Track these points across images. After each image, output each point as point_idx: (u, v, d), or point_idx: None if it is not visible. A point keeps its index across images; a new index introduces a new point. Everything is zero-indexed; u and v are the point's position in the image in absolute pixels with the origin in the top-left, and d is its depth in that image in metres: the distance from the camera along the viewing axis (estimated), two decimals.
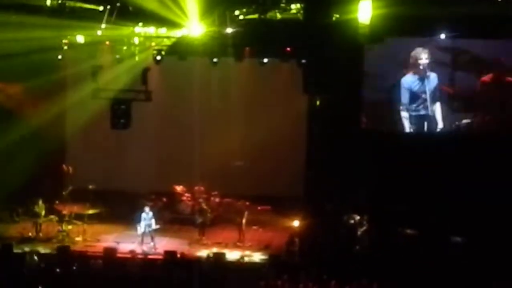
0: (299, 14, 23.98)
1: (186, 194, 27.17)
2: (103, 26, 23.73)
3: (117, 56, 24.99)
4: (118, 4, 23.29)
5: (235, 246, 24.03)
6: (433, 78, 24.18)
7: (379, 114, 24.56)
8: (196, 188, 27.18)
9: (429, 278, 20.57)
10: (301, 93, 24.82)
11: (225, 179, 27.24)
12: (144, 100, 24.65)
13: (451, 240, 23.12)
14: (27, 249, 22.36)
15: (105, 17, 23.46)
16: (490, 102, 24.27)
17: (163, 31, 24.45)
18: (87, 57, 25.07)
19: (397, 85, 24.32)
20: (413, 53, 24.04)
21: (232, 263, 22.17)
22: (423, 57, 23.94)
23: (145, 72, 24.57)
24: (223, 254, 22.23)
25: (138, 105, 24.88)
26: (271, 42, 24.05)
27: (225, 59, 24.90)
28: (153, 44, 24.73)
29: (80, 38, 24.57)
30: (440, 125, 24.32)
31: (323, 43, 22.98)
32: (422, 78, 24.19)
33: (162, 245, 23.56)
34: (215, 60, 24.70)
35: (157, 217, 24.28)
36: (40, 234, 24.33)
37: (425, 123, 24.40)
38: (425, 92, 24.24)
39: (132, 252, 22.37)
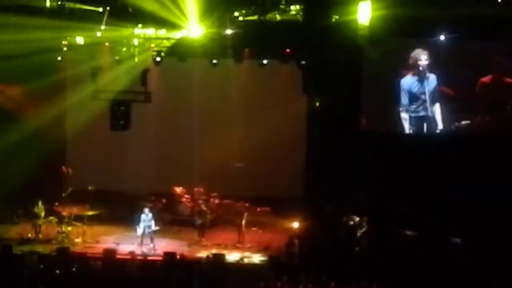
0: (298, 16, 24.01)
1: (186, 196, 27.17)
2: (102, 27, 23.77)
3: (117, 58, 25.01)
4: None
5: (234, 247, 24.04)
6: (432, 79, 24.17)
7: (379, 115, 24.53)
8: (196, 189, 27.17)
9: (429, 279, 20.59)
10: (301, 94, 24.81)
11: (225, 181, 27.23)
12: (144, 101, 24.65)
13: (450, 241, 23.12)
14: (26, 250, 22.36)
15: (105, 19, 23.49)
16: (490, 103, 24.24)
17: (162, 32, 24.49)
18: (86, 58, 25.09)
19: (396, 86, 24.29)
20: (412, 54, 24.02)
21: (231, 264, 22.18)
22: (423, 58, 23.91)
23: (144, 73, 24.57)
24: (222, 256, 22.24)
25: (137, 107, 24.88)
26: (271, 43, 24.05)
27: (224, 60, 24.90)
28: (152, 45, 24.76)
29: (79, 40, 24.64)
30: (440, 126, 24.30)
31: (322, 44, 22.99)
32: (422, 79, 24.18)
33: (162, 246, 23.57)
34: (214, 61, 24.69)
35: (157, 218, 24.28)
36: (40, 236, 24.35)
37: (425, 124, 24.37)
38: (424, 93, 24.23)
39: (131, 253, 22.39)
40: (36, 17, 23.17)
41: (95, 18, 23.81)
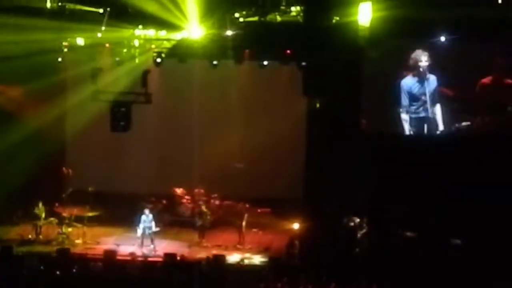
0: (299, 17, 24.00)
1: (186, 197, 27.19)
2: (103, 28, 23.78)
3: (117, 59, 25.02)
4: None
5: (235, 248, 24.05)
6: (432, 80, 24.18)
7: (379, 116, 24.52)
8: (196, 190, 27.18)
9: (429, 280, 20.58)
10: (301, 95, 24.78)
11: (225, 182, 27.24)
12: (144, 102, 24.64)
13: (450, 242, 23.12)
14: (27, 251, 22.36)
15: (105, 20, 23.49)
16: (490, 104, 24.26)
17: (163, 33, 24.50)
18: (87, 59, 25.10)
19: (397, 87, 24.30)
20: (413, 55, 24.03)
21: (232, 265, 22.17)
22: (423, 59, 23.92)
23: (145, 74, 24.55)
24: (223, 257, 22.19)
25: (138, 108, 24.87)
26: (271, 44, 24.06)
27: (225, 61, 24.91)
28: (153, 46, 24.77)
29: (80, 41, 24.65)
30: (440, 127, 24.31)
31: (323, 45, 22.97)
32: (422, 80, 24.19)
33: (162, 247, 23.56)
34: (215, 62, 24.72)
35: (157, 219, 24.29)
36: (40, 237, 24.36)
37: (425, 125, 24.38)
38: (425, 94, 24.23)
39: (132, 254, 22.36)
40: (36, 18, 23.17)
41: (95, 19, 23.83)
